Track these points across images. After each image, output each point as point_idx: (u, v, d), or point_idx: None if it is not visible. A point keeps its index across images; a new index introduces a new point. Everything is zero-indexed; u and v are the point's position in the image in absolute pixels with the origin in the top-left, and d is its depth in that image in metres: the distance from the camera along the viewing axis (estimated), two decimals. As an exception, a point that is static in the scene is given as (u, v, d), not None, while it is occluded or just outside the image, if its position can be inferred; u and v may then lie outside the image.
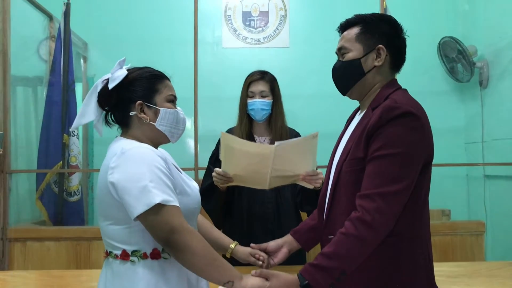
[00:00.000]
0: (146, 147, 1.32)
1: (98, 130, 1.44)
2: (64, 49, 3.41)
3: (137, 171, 1.24)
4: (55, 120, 3.36)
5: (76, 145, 3.42)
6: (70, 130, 3.32)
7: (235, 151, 1.86)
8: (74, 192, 3.42)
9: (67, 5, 3.41)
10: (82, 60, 4.05)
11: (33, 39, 3.64)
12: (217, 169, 1.94)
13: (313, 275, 1.28)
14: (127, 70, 1.40)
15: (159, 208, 1.22)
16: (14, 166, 3.22)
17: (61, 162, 3.33)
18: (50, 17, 3.71)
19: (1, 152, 2.95)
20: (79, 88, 3.93)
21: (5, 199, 3.02)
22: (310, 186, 1.94)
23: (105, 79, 1.39)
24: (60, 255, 2.99)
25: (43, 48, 3.69)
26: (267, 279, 1.34)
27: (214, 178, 1.96)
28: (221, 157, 1.91)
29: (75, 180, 3.43)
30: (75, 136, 3.43)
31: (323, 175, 1.87)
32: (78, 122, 1.41)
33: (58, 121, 3.36)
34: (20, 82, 3.49)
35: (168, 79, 1.45)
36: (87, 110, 1.40)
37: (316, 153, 1.90)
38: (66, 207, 3.38)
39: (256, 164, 1.84)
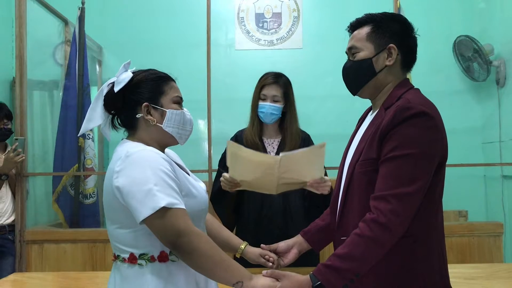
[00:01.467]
0: (151, 150, 1.31)
1: (105, 134, 1.44)
2: (79, 53, 3.45)
3: (142, 175, 1.24)
4: (70, 123, 3.40)
5: (91, 148, 3.45)
6: (78, 136, 3.35)
7: (241, 159, 1.86)
8: (90, 194, 3.45)
9: (82, 10, 3.45)
10: (97, 64, 4.10)
11: (48, 43, 3.69)
12: (224, 174, 1.94)
13: (326, 275, 1.27)
14: (132, 72, 1.40)
15: (164, 211, 1.21)
16: (31, 169, 3.26)
17: (76, 165, 3.36)
18: (65, 22, 3.76)
19: (23, 157, 3.00)
20: (94, 91, 3.97)
21: (22, 202, 3.06)
22: (318, 192, 1.93)
23: (111, 83, 1.39)
24: (76, 257, 3.02)
25: (58, 53, 3.74)
26: (277, 280, 1.33)
27: (221, 183, 1.97)
28: (228, 164, 1.92)
29: (90, 183, 3.46)
30: (91, 139, 3.46)
31: (330, 183, 1.87)
32: (86, 127, 1.41)
33: (74, 124, 3.40)
34: (36, 86, 3.54)
35: (173, 80, 1.44)
36: (94, 115, 1.39)
37: (323, 161, 1.89)
38: (82, 210, 3.41)
39: (262, 172, 1.84)
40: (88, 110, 1.41)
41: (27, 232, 3.05)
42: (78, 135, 3.33)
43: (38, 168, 3.46)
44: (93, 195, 3.46)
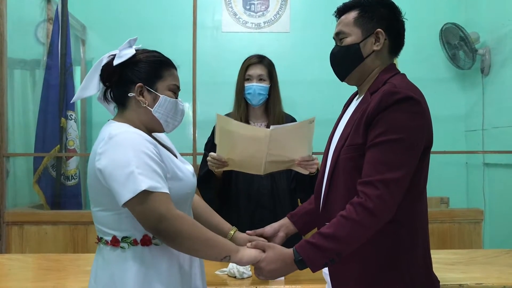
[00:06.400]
0: (134, 132, 1.29)
1: (106, 107, 1.43)
2: (61, 32, 3.37)
3: (124, 157, 1.22)
4: (52, 103, 3.35)
5: (73, 129, 3.41)
6: (71, 102, 3.31)
7: (230, 134, 1.85)
8: (72, 176, 3.41)
9: (65, -13, 3.36)
10: (80, 43, 4.01)
11: (30, 21, 3.61)
12: (212, 153, 1.94)
13: (308, 252, 1.28)
14: (136, 50, 1.38)
15: (146, 195, 1.20)
16: (11, 149, 3.21)
17: (58, 146, 3.31)
18: (47, -1, 3.67)
19: None
20: (77, 71, 3.90)
21: (2, 183, 3.01)
22: (305, 172, 1.93)
23: (112, 55, 1.37)
24: (57, 239, 3.00)
25: (40, 31, 3.65)
26: (263, 251, 1.35)
27: (208, 163, 1.97)
28: (216, 141, 1.91)
29: (72, 164, 3.42)
30: (73, 120, 3.41)
31: (319, 161, 1.87)
32: (80, 95, 1.40)
33: (56, 104, 3.34)
34: (18, 65, 3.46)
35: (175, 67, 1.42)
36: (89, 84, 1.38)
37: (312, 138, 1.89)
38: (64, 191, 3.38)
39: (251, 148, 1.83)
40: (85, 78, 1.39)
41: (7, 213, 3.01)
42: (71, 101, 3.28)
43: (18, 148, 3.40)
44: (75, 177, 3.43)
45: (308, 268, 1.30)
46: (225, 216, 2.19)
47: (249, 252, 1.33)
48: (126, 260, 1.28)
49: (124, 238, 1.29)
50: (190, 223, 1.25)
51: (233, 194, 2.19)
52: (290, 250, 1.31)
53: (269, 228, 1.64)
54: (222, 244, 1.29)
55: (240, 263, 1.33)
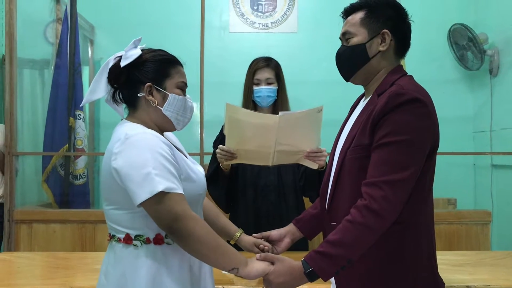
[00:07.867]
0: (151, 133, 1.30)
1: (115, 109, 1.43)
2: (70, 32, 3.40)
3: (140, 158, 1.23)
4: (61, 103, 3.37)
5: (82, 128, 3.43)
6: (80, 106, 3.34)
7: (239, 123, 1.86)
8: (80, 175, 3.44)
9: (74, -12, 3.39)
10: (89, 44, 4.04)
11: (39, 21, 3.64)
12: (220, 145, 1.96)
13: (318, 262, 1.27)
14: (141, 50, 1.38)
15: (162, 195, 1.21)
16: (20, 148, 3.24)
17: (67, 145, 3.34)
18: (57, 0, 3.70)
19: None
20: (86, 71, 3.93)
21: (11, 181, 3.03)
22: (314, 166, 1.94)
23: (118, 56, 1.38)
24: (65, 237, 3.01)
25: (49, 31, 3.68)
26: (272, 263, 1.34)
27: (217, 155, 1.99)
28: (225, 131, 1.92)
29: (81, 163, 3.44)
30: (81, 119, 3.43)
31: (326, 153, 1.89)
32: (88, 98, 1.41)
33: (64, 104, 3.37)
34: (27, 64, 3.49)
35: (181, 65, 1.43)
36: (97, 87, 1.39)
37: (320, 129, 1.90)
38: (72, 190, 3.40)
39: (260, 136, 1.85)
40: (92, 81, 1.39)
41: (16, 211, 3.03)
42: (81, 105, 3.31)
43: (27, 147, 3.43)
44: (83, 176, 3.45)
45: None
46: (232, 210, 2.22)
47: (257, 266, 1.32)
48: (138, 257, 1.29)
49: (137, 236, 1.30)
50: (203, 226, 1.26)
51: (241, 188, 2.21)
52: (299, 263, 1.30)
53: (275, 232, 1.64)
54: (232, 254, 1.29)
55: (248, 277, 1.31)
